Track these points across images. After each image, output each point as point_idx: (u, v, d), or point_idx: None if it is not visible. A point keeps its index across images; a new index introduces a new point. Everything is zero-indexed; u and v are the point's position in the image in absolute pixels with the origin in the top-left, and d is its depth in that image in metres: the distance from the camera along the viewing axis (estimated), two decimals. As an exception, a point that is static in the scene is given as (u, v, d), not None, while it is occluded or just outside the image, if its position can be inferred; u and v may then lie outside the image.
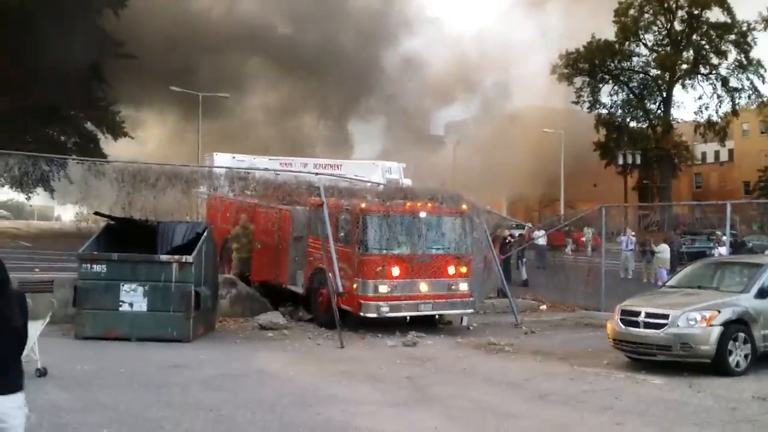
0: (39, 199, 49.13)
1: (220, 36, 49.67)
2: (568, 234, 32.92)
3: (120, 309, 12.22)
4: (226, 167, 19.64)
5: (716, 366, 10.46)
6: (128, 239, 13.08)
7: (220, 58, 50.00)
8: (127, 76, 42.67)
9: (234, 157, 27.34)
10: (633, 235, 26.28)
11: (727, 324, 10.50)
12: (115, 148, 40.66)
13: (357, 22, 53.85)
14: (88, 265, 12.36)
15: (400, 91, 57.21)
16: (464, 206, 15.11)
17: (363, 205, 14.22)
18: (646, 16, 56.83)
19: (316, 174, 17.19)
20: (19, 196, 50.45)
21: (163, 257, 12.62)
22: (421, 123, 59.56)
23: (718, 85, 56.58)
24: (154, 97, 49.06)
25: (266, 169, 19.21)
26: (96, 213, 14.90)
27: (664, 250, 24.41)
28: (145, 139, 51.51)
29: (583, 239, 34.77)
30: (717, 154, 70.72)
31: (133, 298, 12.25)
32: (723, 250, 19.26)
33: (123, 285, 12.24)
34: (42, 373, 9.03)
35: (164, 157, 30.64)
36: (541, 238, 25.53)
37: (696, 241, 30.32)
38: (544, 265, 24.71)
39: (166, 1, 46.65)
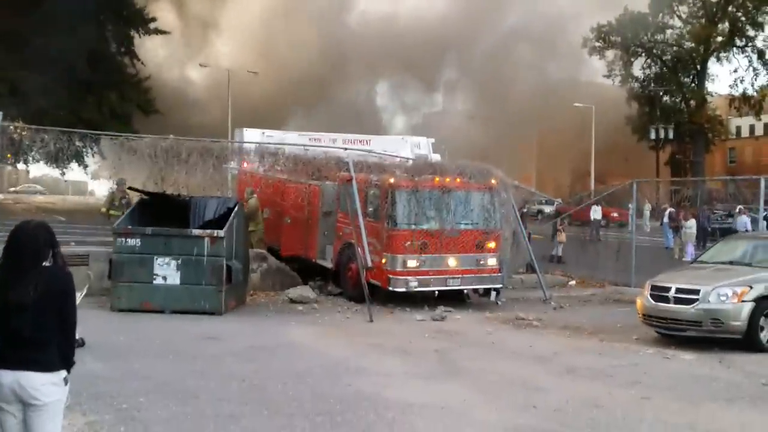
0: (73, 174, 49.93)
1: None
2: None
3: (154, 282, 12.48)
4: (256, 142, 19.74)
5: (747, 342, 10.42)
6: (161, 214, 13.31)
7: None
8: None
9: (264, 133, 27.45)
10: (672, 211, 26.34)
11: (758, 300, 10.44)
12: (146, 124, 41.00)
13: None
14: (123, 239, 12.61)
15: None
16: (493, 181, 15.08)
17: (392, 180, 14.25)
18: (680, -13, 55.60)
19: (345, 149, 17.20)
20: (54, 172, 51.30)
21: (196, 231, 12.84)
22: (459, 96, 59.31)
23: (754, 57, 55.32)
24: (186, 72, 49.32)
25: (295, 144, 19.29)
26: (130, 188, 15.15)
27: (692, 226, 24.18)
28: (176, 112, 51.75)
29: (614, 214, 34.50)
30: (752, 128, 69.12)
31: (167, 271, 12.49)
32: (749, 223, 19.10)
33: (157, 259, 12.49)
34: (80, 344, 9.22)
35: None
36: (595, 212, 25.73)
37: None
38: (596, 239, 24.60)
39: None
